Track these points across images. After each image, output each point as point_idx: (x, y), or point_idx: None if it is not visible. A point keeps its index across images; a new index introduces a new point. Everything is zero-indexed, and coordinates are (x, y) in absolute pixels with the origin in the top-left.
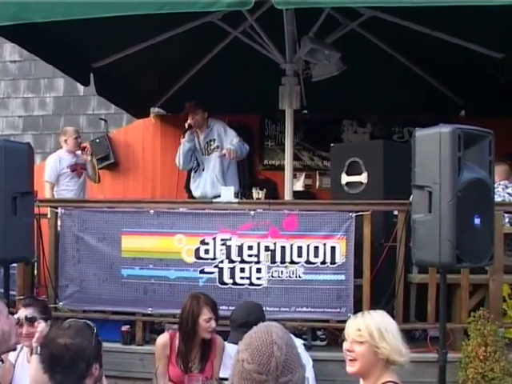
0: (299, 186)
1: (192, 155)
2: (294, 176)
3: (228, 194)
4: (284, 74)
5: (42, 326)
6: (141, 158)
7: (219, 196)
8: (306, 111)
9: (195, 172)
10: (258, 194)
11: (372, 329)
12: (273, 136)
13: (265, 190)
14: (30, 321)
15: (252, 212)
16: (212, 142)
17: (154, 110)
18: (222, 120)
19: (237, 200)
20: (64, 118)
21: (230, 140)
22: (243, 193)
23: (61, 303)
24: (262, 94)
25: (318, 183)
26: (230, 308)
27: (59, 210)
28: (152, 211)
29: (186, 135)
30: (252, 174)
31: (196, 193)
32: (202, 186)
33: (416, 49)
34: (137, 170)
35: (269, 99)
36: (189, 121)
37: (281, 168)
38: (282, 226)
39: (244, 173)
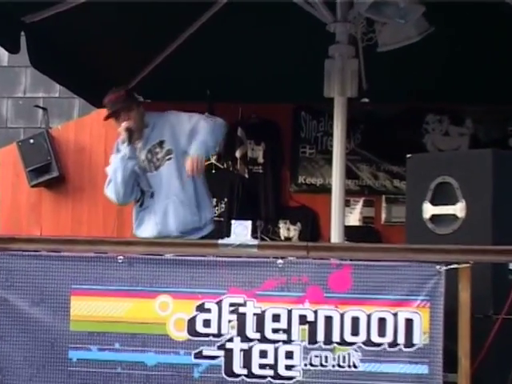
0: (354, 218)
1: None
2: (347, 203)
3: (242, 230)
4: (333, 42)
5: None
6: (102, 169)
7: (196, 230)
8: (366, 100)
9: (140, 206)
10: (288, 231)
11: None
12: (313, 139)
13: (299, 224)
14: None
15: (280, 261)
16: (159, 148)
17: None
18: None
19: (256, 242)
20: None
21: (190, 132)
22: (265, 229)
23: None
24: (295, 71)
25: (384, 215)
26: None
27: None
28: (121, 257)
29: (123, 148)
30: (279, 199)
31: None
32: (155, 222)
33: None
34: (95, 190)
35: (306, 80)
36: (124, 124)
37: (325, 190)
38: (327, 285)
39: (267, 196)
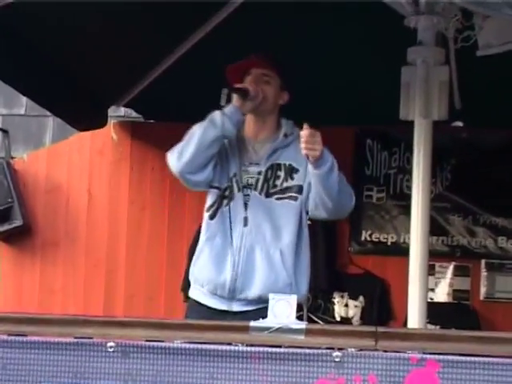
0: (442, 292)
1: (214, 158)
2: (431, 270)
3: (283, 309)
4: (413, 42)
5: None
6: (85, 217)
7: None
8: (460, 124)
9: (211, 217)
10: (346, 308)
11: None
12: (382, 178)
13: (362, 299)
14: None
15: (337, 353)
16: (284, 173)
17: (116, 113)
18: None
19: (303, 325)
20: None
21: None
22: (315, 305)
23: None
24: (358, 82)
25: (484, 288)
26: None
27: None
28: (112, 344)
29: (229, 107)
30: (334, 263)
31: (207, 277)
32: (233, 261)
33: None
34: (74, 246)
35: (374, 95)
36: (248, 84)
37: (400, 251)
38: None
39: (316, 259)
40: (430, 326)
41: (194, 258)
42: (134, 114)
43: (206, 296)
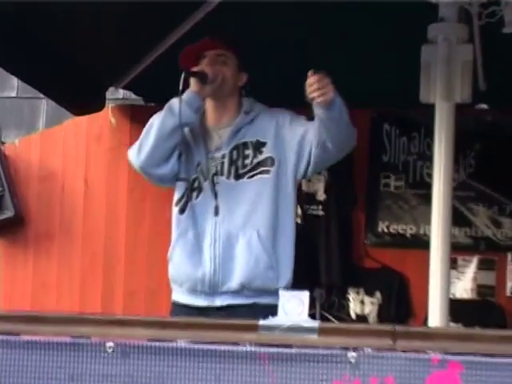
0: (465, 287)
1: (177, 149)
2: (454, 264)
3: (295, 306)
4: (435, 19)
5: None
6: (81, 207)
7: (265, 293)
8: (485, 106)
9: (181, 212)
10: (362, 305)
11: None
12: (401, 165)
13: (379, 295)
14: None
15: (352, 354)
16: (252, 150)
17: (114, 96)
18: None
19: (316, 323)
20: None
21: (300, 141)
22: (329, 302)
23: None
24: (374, 62)
25: (511, 283)
26: None
27: None
28: (111, 344)
29: (187, 93)
30: (348, 257)
31: (182, 275)
32: (211, 254)
33: None
34: (70, 238)
35: (392, 76)
36: (203, 66)
37: (419, 243)
38: None
39: (330, 252)
40: (452, 325)
41: (168, 256)
42: (134, 96)
43: (184, 295)
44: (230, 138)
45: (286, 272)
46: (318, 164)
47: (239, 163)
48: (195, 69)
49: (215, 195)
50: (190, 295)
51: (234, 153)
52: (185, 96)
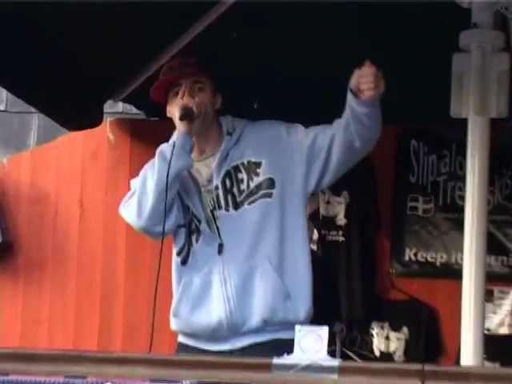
0: (502, 322)
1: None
2: (489, 296)
3: (312, 342)
4: (468, 25)
5: None
6: (76, 233)
7: (285, 324)
8: None
9: (183, 264)
10: (387, 341)
11: None
12: (430, 186)
13: (406, 330)
14: None
15: None
16: (247, 173)
17: (113, 109)
18: None
19: (336, 362)
20: None
21: (310, 149)
22: (350, 338)
23: None
24: (401, 73)
25: None
26: None
27: None
28: None
29: (178, 136)
30: (372, 287)
31: (191, 323)
32: (223, 297)
33: None
34: (64, 267)
35: (421, 89)
36: (185, 100)
37: (451, 273)
38: None
39: (351, 282)
40: (487, 364)
41: (173, 312)
42: (135, 110)
43: (198, 343)
44: (219, 165)
45: (305, 301)
46: (341, 166)
47: (235, 190)
48: (181, 107)
49: (218, 232)
50: (206, 343)
51: (227, 180)
52: (177, 140)
